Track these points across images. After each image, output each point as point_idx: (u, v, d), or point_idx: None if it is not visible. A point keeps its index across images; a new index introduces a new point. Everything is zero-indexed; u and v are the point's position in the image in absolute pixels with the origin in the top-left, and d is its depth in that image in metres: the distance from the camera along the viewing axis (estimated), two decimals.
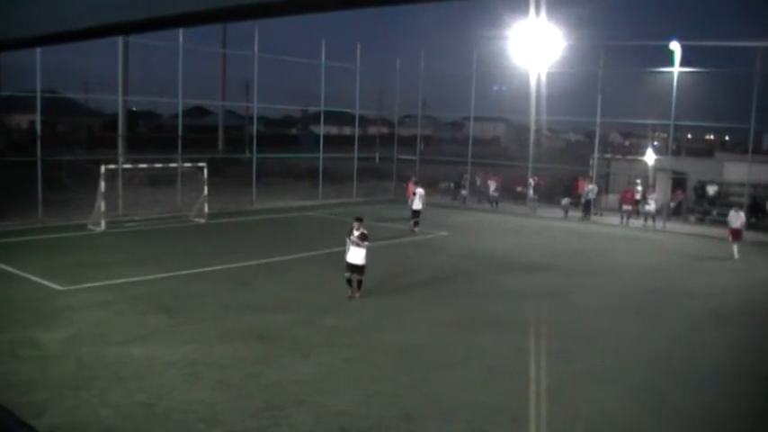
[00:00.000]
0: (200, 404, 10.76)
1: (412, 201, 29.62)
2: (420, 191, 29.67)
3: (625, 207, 34.24)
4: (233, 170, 40.44)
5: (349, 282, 17.35)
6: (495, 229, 31.34)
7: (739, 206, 28.97)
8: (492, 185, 39.22)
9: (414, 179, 33.07)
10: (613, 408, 11.40)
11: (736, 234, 25.93)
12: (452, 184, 43.10)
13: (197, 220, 29.69)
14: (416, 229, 28.92)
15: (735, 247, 25.60)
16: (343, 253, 17.57)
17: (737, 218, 26.32)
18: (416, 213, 29.26)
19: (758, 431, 11.38)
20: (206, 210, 30.06)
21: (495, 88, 45.01)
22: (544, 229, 32.02)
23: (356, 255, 17.17)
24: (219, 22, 1.16)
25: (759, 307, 18.99)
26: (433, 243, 27.05)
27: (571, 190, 37.87)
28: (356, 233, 17.14)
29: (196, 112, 72.89)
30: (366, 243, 17.22)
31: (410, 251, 25.08)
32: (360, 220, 17.54)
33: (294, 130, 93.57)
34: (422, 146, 46.18)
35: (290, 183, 44.91)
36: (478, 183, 41.25)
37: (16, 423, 1.99)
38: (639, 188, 35.06)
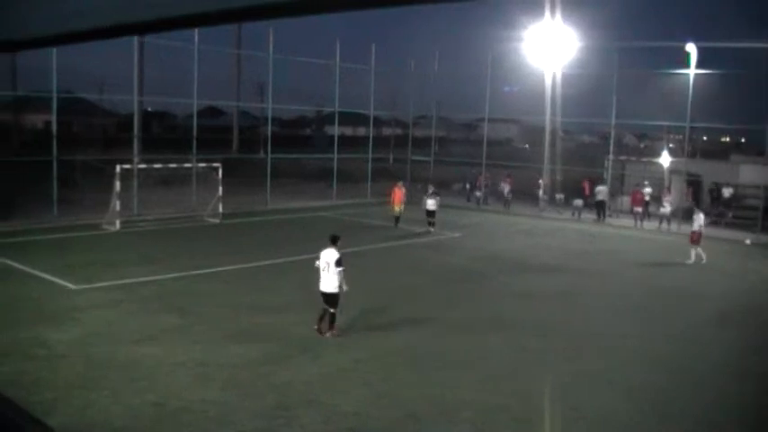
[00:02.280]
0: (210, 404, 10.79)
1: (424, 203, 29.69)
2: (433, 190, 30.14)
3: (636, 209, 34.07)
4: (247, 170, 40.50)
5: (322, 316, 14.45)
6: (507, 231, 31.25)
7: (698, 208, 27.79)
8: (506, 187, 39.17)
9: (400, 183, 32.04)
10: (616, 408, 11.39)
11: (694, 237, 24.70)
12: (468, 186, 43.06)
13: (211, 220, 29.78)
14: (431, 230, 28.88)
15: (692, 251, 24.51)
16: (354, 255, 17.21)
17: (696, 220, 25.09)
18: (431, 214, 29.23)
19: (759, 431, 11.33)
20: (220, 210, 30.17)
21: (507, 89, 44.95)
22: (557, 230, 31.91)
23: (329, 282, 14.36)
24: (233, 22, 1.16)
25: (766, 308, 18.89)
26: (446, 244, 27.01)
27: (582, 192, 37.69)
28: (336, 256, 14.35)
29: (210, 112, 73.18)
30: (340, 268, 14.31)
31: (422, 252, 25.06)
32: (336, 240, 14.79)
33: (308, 131, 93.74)
34: (436, 147, 46.13)
35: (304, 183, 44.98)
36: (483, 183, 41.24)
37: (29, 420, 1.99)
38: (648, 189, 34.81)
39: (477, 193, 40.98)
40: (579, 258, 24.68)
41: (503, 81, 43.08)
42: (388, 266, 22.50)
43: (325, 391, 11.49)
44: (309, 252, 23.04)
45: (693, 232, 24.85)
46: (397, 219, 30.15)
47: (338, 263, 14.31)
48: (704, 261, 24.34)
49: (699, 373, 13.26)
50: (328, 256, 14.42)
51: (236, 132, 58.71)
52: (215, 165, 30.67)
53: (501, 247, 26.52)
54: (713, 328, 16.56)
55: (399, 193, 30.58)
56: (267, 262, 21.69)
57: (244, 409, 10.70)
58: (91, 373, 11.89)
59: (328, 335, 14.28)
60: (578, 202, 36.41)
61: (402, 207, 30.33)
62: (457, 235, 29.02)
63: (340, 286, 14.34)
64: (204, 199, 30.81)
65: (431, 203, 29.29)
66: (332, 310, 14.31)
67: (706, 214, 35.10)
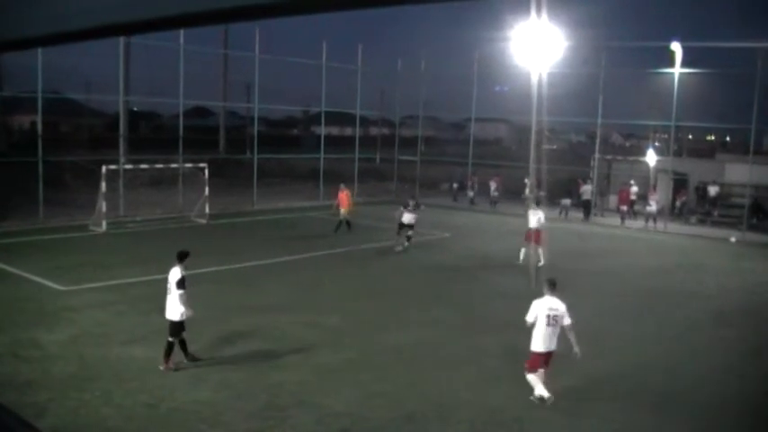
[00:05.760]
0: (201, 405, 10.78)
1: (400, 214, 25.36)
2: (414, 202, 26.07)
3: (622, 207, 34.28)
4: (234, 171, 40.41)
5: (177, 345, 12.50)
6: (496, 231, 31.30)
7: (536, 202, 24.71)
8: (492, 186, 39.35)
9: (342, 185, 29.42)
10: (614, 409, 11.41)
11: (530, 235, 22.93)
12: (456, 186, 43.13)
13: (198, 220, 29.70)
14: (406, 244, 24.89)
15: (523, 250, 23.10)
16: (342, 255, 17.19)
17: (534, 216, 23.10)
18: (405, 227, 24.98)
19: (758, 431, 11.39)
20: (207, 210, 30.09)
21: (497, 89, 45.08)
22: (545, 229, 31.87)
23: (170, 306, 12.48)
24: (221, 22, 1.15)
25: (760, 308, 18.98)
26: (435, 244, 27.03)
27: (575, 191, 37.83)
28: (178, 276, 12.42)
29: (197, 112, 72.91)
30: (180, 291, 12.33)
31: (412, 252, 25.01)
32: (183, 257, 12.90)
33: (295, 131, 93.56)
34: (423, 147, 46.18)
35: (291, 183, 44.88)
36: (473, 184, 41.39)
37: (19, 423, 1.98)
38: (635, 188, 35.05)
39: (470, 193, 41.09)
40: (570, 258, 24.64)
41: (491, 81, 43.23)
42: (379, 267, 22.50)
43: (318, 392, 11.49)
44: (298, 252, 23.28)
45: (530, 229, 23.13)
46: (342, 223, 27.83)
47: (179, 284, 12.29)
48: (521, 261, 23.00)
49: (698, 374, 13.31)
50: (171, 276, 12.52)
51: (222, 132, 58.52)
52: (201, 165, 30.59)
53: (491, 247, 26.57)
54: (711, 328, 16.63)
55: (342, 195, 28.47)
56: (256, 262, 21.65)
57: (236, 409, 10.69)
58: (83, 374, 11.86)
59: (162, 368, 12.13)
60: (566, 201, 36.56)
61: (347, 211, 28.14)
62: (447, 235, 29.05)
63: (182, 312, 12.31)
64: (191, 199, 30.73)
65: (408, 218, 24.96)
66: (170, 339, 12.33)
67: (693, 212, 35.51)
